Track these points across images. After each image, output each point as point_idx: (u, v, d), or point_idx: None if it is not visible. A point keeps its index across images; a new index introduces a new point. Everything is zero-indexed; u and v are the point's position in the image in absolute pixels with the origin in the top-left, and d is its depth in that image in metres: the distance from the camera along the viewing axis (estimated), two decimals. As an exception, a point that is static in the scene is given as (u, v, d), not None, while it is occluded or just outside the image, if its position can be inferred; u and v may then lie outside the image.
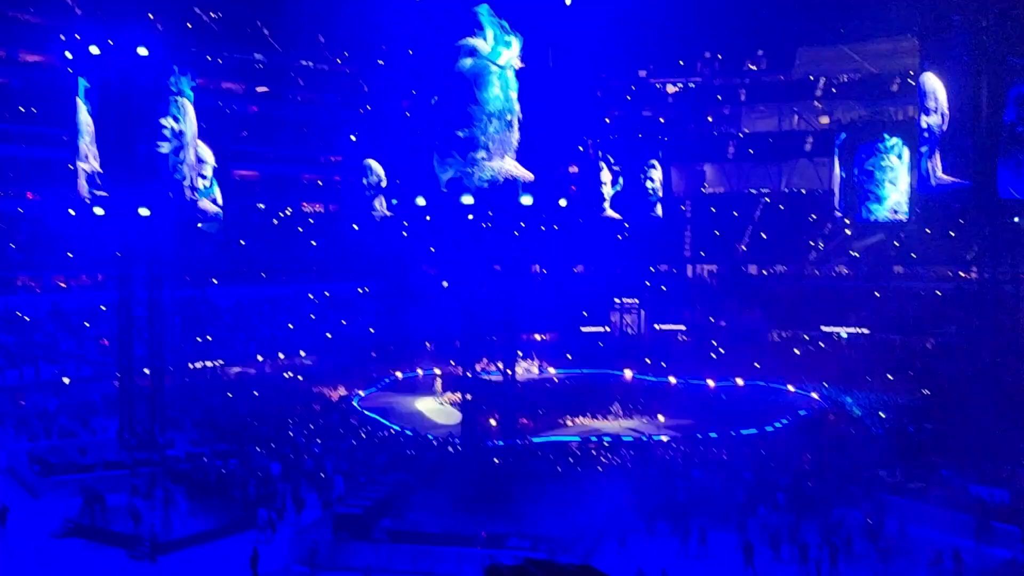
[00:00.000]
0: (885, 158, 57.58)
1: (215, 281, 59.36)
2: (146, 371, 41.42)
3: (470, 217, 33.79)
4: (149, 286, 41.63)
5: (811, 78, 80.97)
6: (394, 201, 60.38)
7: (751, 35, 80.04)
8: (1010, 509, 29.84)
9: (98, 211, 40.49)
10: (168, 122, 39.54)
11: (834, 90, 79.73)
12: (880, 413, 44.57)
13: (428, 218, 55.60)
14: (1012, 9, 33.93)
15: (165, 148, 39.41)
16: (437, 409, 48.36)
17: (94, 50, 39.12)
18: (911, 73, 62.56)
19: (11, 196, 60.05)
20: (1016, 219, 36.05)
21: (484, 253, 35.04)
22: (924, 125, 36.78)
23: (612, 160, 66.22)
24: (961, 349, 37.46)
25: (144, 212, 39.10)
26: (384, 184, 65.87)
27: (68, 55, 40.81)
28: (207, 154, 50.60)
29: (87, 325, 53.42)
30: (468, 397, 33.49)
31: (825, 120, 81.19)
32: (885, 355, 56.20)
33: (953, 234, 51.98)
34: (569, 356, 61.93)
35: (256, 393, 50.69)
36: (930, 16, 37.53)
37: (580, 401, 49.12)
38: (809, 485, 33.35)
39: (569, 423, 45.61)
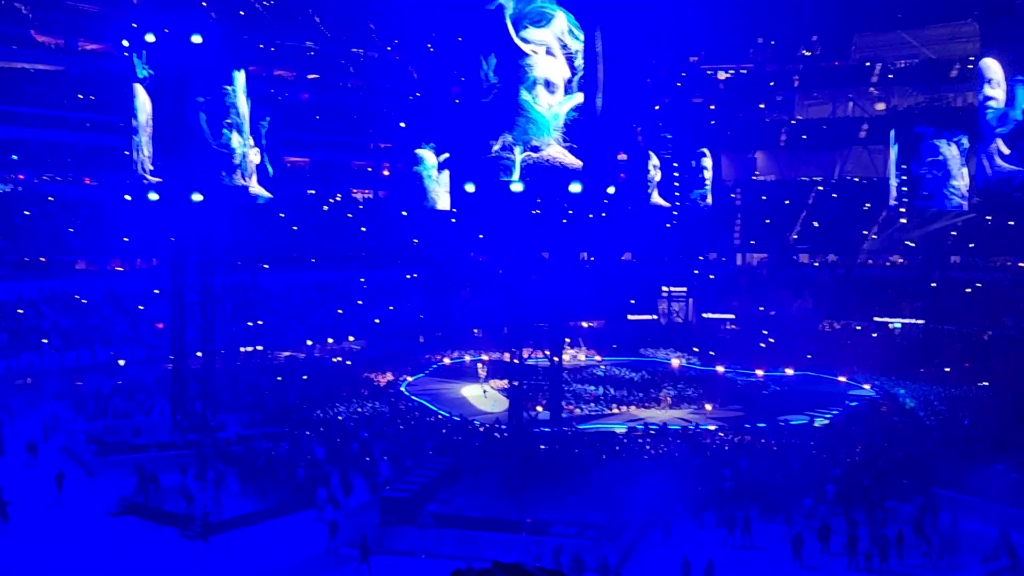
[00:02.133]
0: (943, 145, 56.26)
1: (266, 266, 60.02)
2: (198, 354, 42.08)
3: (518, 204, 33.72)
4: (201, 271, 42.27)
5: (867, 64, 79.40)
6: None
7: (806, 20, 78.68)
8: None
9: (153, 196, 41.18)
10: (221, 108, 39.99)
11: (891, 76, 78.11)
12: (934, 405, 43.72)
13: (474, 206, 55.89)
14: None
15: (218, 135, 39.87)
16: (483, 396, 48.50)
17: (150, 38, 39.70)
18: (971, 58, 61.09)
19: (70, 182, 61.37)
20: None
21: (532, 240, 34.94)
22: (985, 112, 35.91)
23: (662, 148, 65.61)
24: (1020, 341, 36.50)
25: (197, 198, 39.65)
26: (435, 173, 66.03)
27: (125, 43, 41.45)
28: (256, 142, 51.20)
29: (141, 309, 54.41)
30: (515, 384, 33.51)
31: (881, 107, 79.66)
32: (941, 347, 55.13)
33: (1013, 223, 50.76)
34: (615, 346, 61.62)
35: (305, 377, 51.26)
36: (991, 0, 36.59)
37: (628, 389, 48.98)
38: (860, 477, 32.85)
39: (616, 411, 45.47)
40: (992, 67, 35.57)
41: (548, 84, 30.77)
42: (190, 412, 40.50)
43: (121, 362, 50.18)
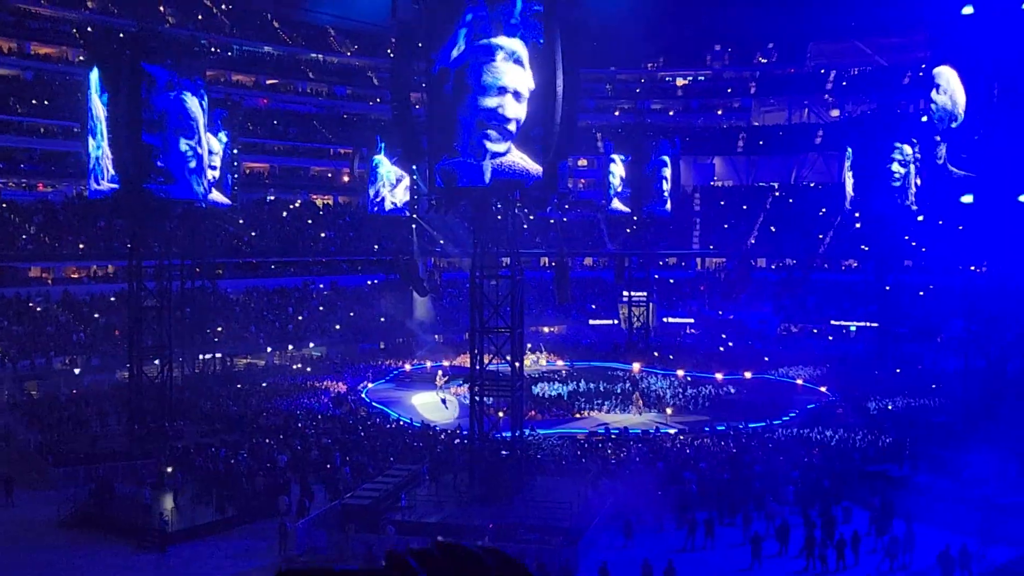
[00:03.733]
0: (895, 152, 57.36)
1: (219, 272, 59.45)
2: (156, 362, 41.60)
3: (477, 211, 33.82)
4: (159, 277, 41.78)
5: (822, 71, 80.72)
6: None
7: (762, 28, 79.86)
8: (1017, 506, 29.76)
9: (109, 203, 40.64)
10: (179, 114, 39.59)
11: (844, 83, 79.47)
12: (888, 407, 44.48)
13: (435, 212, 55.84)
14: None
15: (176, 140, 39.47)
16: (443, 404, 48.44)
17: (107, 43, 39.23)
18: (922, 67, 62.31)
19: (25, 188, 60.40)
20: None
21: (492, 246, 35.02)
22: (936, 118, 36.66)
23: (622, 154, 66.11)
24: (970, 343, 37.30)
25: (155, 204, 39.22)
26: (394, 178, 65.99)
27: (81, 47, 40.94)
28: (216, 146, 50.81)
29: (97, 317, 53.65)
30: (476, 389, 33.58)
31: (835, 113, 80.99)
32: (894, 349, 56.07)
33: (961, 228, 51.75)
34: (576, 351, 61.97)
35: (265, 384, 50.88)
36: (941, 8, 37.35)
37: (588, 393, 49.25)
38: (817, 478, 33.33)
39: (587, 415, 45.74)
40: (945, 75, 36.26)
41: (508, 91, 30.90)
42: (147, 420, 40.01)
43: (77, 370, 49.46)
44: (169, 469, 34.34)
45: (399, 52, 36.05)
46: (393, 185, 65.72)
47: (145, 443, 38.00)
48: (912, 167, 56.98)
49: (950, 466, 33.10)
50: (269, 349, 58.51)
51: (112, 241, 54.71)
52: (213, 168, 49.05)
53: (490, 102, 30.80)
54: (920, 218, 53.37)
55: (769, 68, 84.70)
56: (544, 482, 33.02)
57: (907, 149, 56.94)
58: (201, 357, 52.74)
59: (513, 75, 30.75)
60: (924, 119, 36.35)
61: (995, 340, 35.54)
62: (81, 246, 55.99)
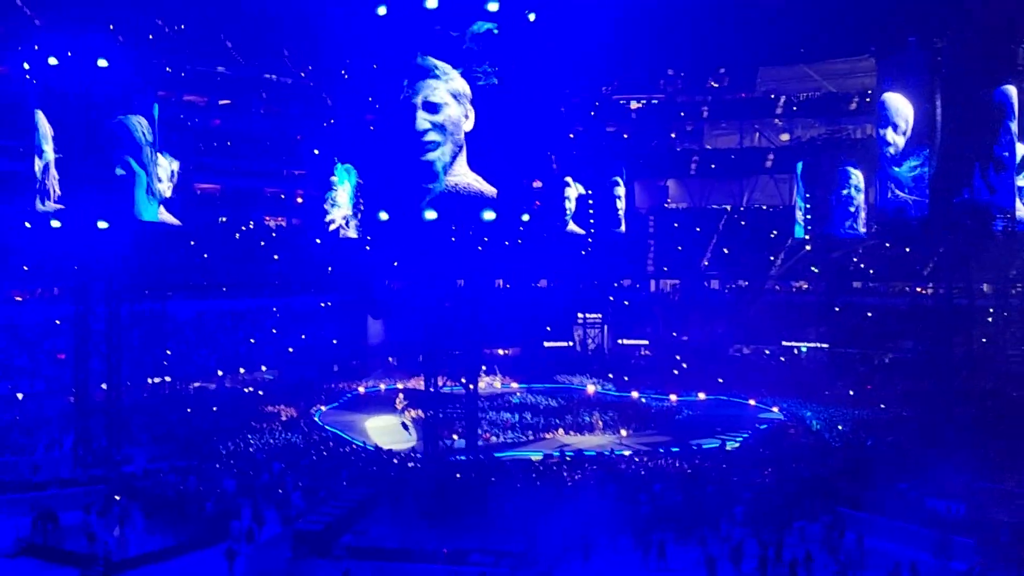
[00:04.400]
0: (843, 175, 58.46)
1: (169, 294, 58.55)
2: (103, 386, 40.75)
3: (432, 232, 33.78)
4: (107, 300, 41.02)
5: (772, 96, 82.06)
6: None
7: (713, 53, 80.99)
8: (967, 522, 30.20)
9: (55, 224, 39.86)
10: (128, 134, 39.08)
11: (794, 108, 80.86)
12: (839, 427, 44.99)
13: (389, 234, 55.69)
14: (964, 30, 34.65)
15: (125, 160, 38.93)
16: (399, 424, 48.02)
17: (53, 61, 38.61)
18: (869, 92, 63.64)
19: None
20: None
21: (447, 267, 34.99)
22: (883, 143, 37.40)
23: (576, 175, 66.48)
24: (918, 363, 37.91)
25: (103, 225, 38.57)
26: (349, 198, 65.59)
27: (26, 65, 40.23)
28: (167, 166, 50.20)
29: (42, 340, 52.49)
30: (430, 412, 33.37)
31: (785, 137, 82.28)
32: (844, 369, 56.82)
33: (908, 250, 52.81)
34: (531, 373, 61.98)
35: (215, 408, 50.08)
36: (886, 36, 38.23)
37: (545, 415, 49.20)
38: (770, 499, 33.53)
39: (547, 436, 45.67)
40: (893, 100, 37.06)
41: (444, 102, 31.25)
42: (94, 446, 39.15)
43: (19, 395, 48.27)
44: (117, 496, 33.58)
45: (352, 73, 36.03)
46: (349, 206, 65.29)
47: (92, 469, 37.15)
48: (859, 192, 58.09)
49: (902, 483, 33.55)
50: (220, 372, 57.66)
51: (60, 262, 53.62)
52: (164, 190, 48.45)
53: (431, 116, 31.37)
54: (870, 242, 54.50)
55: (721, 93, 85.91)
56: (499, 505, 32.80)
57: (856, 173, 58.04)
58: (150, 381, 51.79)
59: (452, 87, 31.30)
60: (885, 145, 37.00)
61: (943, 359, 36.16)
62: (25, 267, 54.76)
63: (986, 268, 46.74)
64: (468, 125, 31.90)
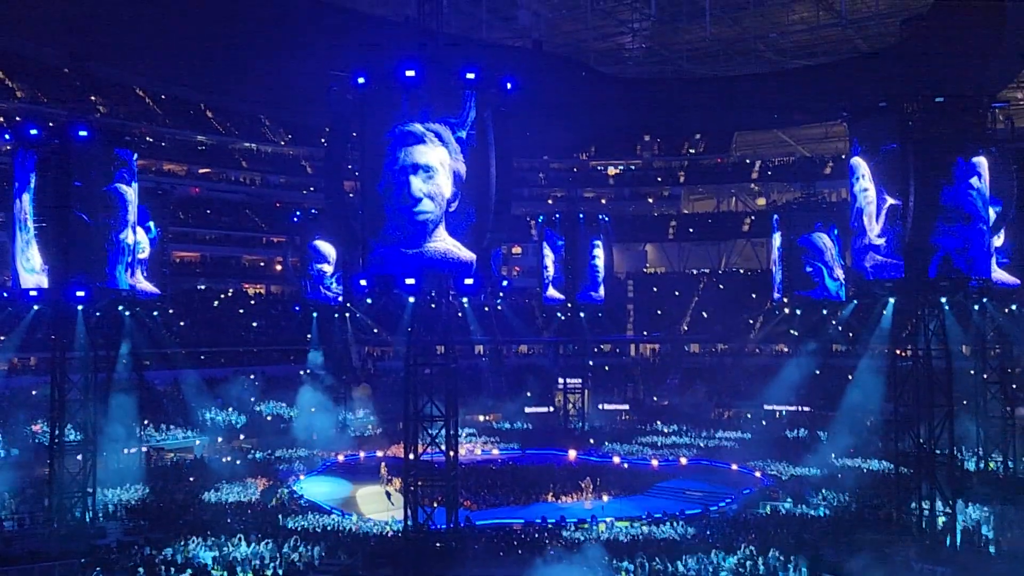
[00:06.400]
0: (820, 238, 59.13)
1: (147, 363, 58.13)
2: (79, 457, 40.14)
3: (411, 300, 33.89)
4: (84, 369, 40.62)
5: (747, 161, 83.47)
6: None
7: (689, 120, 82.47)
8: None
9: (32, 293, 39.62)
10: (108, 204, 39.16)
11: (769, 172, 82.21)
12: (823, 491, 44.78)
13: (369, 301, 55.77)
14: (936, 94, 35.42)
15: (105, 230, 38.96)
16: (380, 493, 47.43)
17: (33, 132, 38.79)
18: (843, 156, 64.76)
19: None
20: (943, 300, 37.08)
21: (427, 333, 35.03)
22: (856, 207, 37.93)
23: (554, 241, 66.92)
24: (899, 425, 37.96)
25: (80, 294, 38.39)
26: (332, 265, 65.47)
27: (6, 137, 40.41)
28: (143, 236, 50.31)
29: (16, 409, 51.79)
30: (410, 479, 33.03)
31: (762, 201, 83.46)
32: (826, 432, 56.73)
33: (885, 312, 53.14)
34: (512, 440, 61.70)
35: (192, 479, 49.30)
36: (858, 102, 38.99)
37: (525, 482, 48.78)
38: (754, 565, 33.19)
39: (514, 502, 45.25)
40: (863, 165, 37.73)
41: (432, 168, 31.71)
42: (68, 519, 38.42)
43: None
44: (98, 569, 32.83)
45: (332, 140, 36.47)
46: (327, 273, 65.19)
47: (65, 542, 36.39)
48: (835, 255, 58.74)
49: (883, 551, 33.35)
50: (197, 442, 56.93)
51: (35, 332, 53.18)
52: (141, 259, 48.54)
53: (415, 181, 31.74)
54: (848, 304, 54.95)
55: (697, 158, 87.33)
56: (480, 573, 32.30)
57: (824, 237, 58.77)
58: (125, 451, 51.01)
59: (435, 154, 31.74)
60: (860, 207, 37.56)
61: (923, 422, 36.22)
62: (1, 337, 54.26)
63: (964, 329, 47.08)
64: (449, 192, 32.28)
